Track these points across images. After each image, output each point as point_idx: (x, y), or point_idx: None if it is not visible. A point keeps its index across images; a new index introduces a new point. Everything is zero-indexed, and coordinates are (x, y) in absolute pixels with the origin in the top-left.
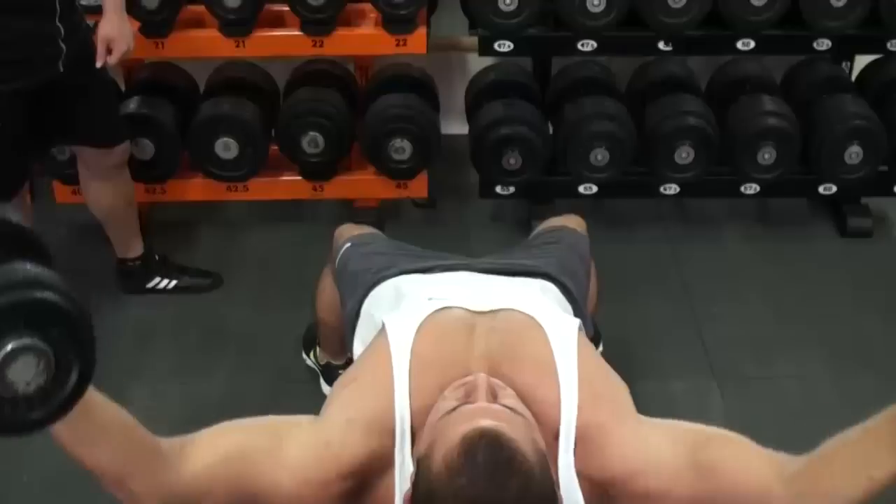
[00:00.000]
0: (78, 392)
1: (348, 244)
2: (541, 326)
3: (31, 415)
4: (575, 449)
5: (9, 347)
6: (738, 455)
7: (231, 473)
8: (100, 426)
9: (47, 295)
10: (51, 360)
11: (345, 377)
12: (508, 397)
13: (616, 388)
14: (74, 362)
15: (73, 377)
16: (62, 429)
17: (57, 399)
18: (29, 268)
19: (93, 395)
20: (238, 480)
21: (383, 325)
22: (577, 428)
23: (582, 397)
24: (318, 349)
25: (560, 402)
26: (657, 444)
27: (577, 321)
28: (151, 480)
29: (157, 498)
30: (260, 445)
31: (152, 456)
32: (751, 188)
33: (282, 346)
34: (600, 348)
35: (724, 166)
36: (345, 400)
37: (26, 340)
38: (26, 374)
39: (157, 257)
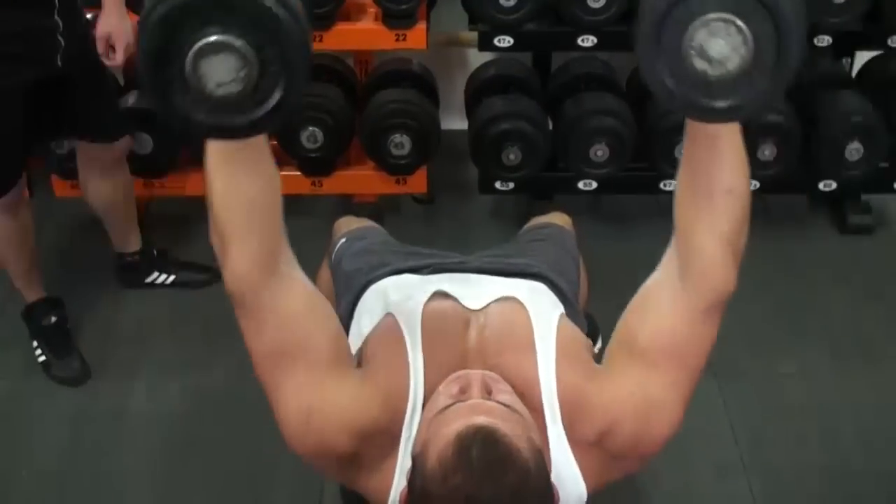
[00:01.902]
0: (266, 121)
1: (343, 240)
2: (524, 307)
3: (208, 116)
4: (563, 419)
5: (211, 39)
6: (654, 316)
7: (287, 339)
8: (254, 177)
9: (279, 10)
10: (253, 73)
11: (357, 356)
12: (503, 392)
13: (582, 347)
14: (277, 87)
15: (270, 103)
16: (220, 154)
17: (245, 116)
18: None
19: (266, 150)
20: (286, 353)
21: (387, 313)
22: (559, 397)
23: (559, 367)
24: None
25: (539, 377)
26: (620, 379)
27: (559, 310)
28: (249, 275)
29: (236, 289)
30: (318, 354)
31: (269, 252)
32: (751, 184)
33: None
34: (598, 344)
35: None
36: (363, 374)
37: (235, 41)
38: (221, 75)
39: (155, 252)
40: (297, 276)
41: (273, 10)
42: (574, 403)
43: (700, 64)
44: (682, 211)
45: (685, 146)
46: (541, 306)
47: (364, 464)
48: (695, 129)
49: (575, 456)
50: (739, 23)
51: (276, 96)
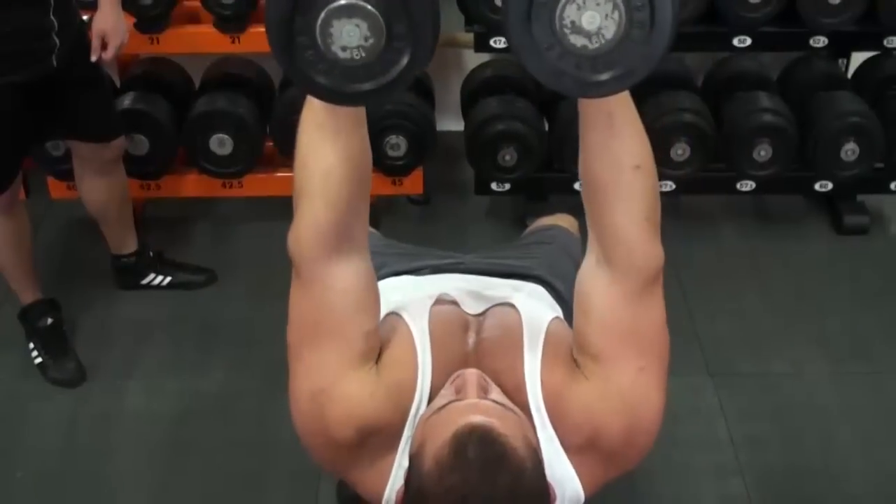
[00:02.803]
0: (374, 95)
1: None
2: (517, 311)
3: (322, 76)
4: (551, 423)
5: (343, 2)
6: (596, 312)
7: (326, 318)
8: (340, 148)
9: None
10: (379, 44)
11: None
12: (495, 392)
13: (570, 351)
14: (396, 64)
15: (385, 78)
16: (315, 116)
17: (357, 85)
18: None
19: (362, 126)
20: (319, 330)
21: (391, 312)
22: (544, 401)
23: (543, 371)
24: None
25: (525, 381)
26: (591, 383)
27: (553, 313)
28: (309, 242)
29: (295, 251)
30: (349, 343)
31: (336, 226)
32: (747, 185)
33: (276, 342)
34: None
35: (719, 163)
36: (376, 370)
37: (371, 8)
38: (348, 39)
39: (151, 253)
40: (358, 262)
41: None
42: (559, 407)
43: (578, 40)
44: (592, 198)
45: (581, 132)
46: (534, 310)
47: (363, 458)
48: (589, 112)
49: (569, 458)
50: None
51: (393, 73)
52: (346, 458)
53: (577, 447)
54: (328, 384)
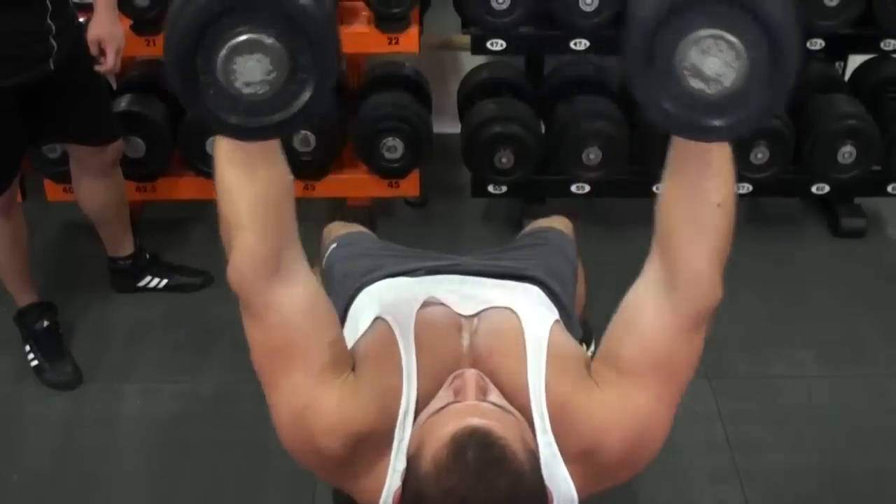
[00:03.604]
0: (286, 125)
1: (334, 244)
2: (516, 314)
3: (230, 115)
4: (552, 428)
5: (247, 37)
6: (639, 332)
7: (286, 339)
8: (261, 175)
9: (315, 14)
10: (282, 76)
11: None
12: (494, 394)
13: (573, 357)
14: (303, 93)
15: (294, 108)
16: (230, 150)
17: (266, 118)
18: None
19: (277, 150)
20: (284, 353)
21: (378, 317)
22: (548, 405)
23: (549, 375)
24: None
25: (528, 384)
26: (606, 394)
27: (553, 317)
28: (249, 271)
29: (238, 284)
30: (316, 357)
31: (273, 250)
32: (743, 188)
33: None
34: (592, 349)
35: None
36: (357, 377)
37: (270, 42)
38: (250, 75)
39: (147, 256)
40: (301, 277)
41: (308, 13)
42: (562, 413)
43: (696, 84)
44: (669, 223)
45: (672, 159)
46: (533, 312)
47: (356, 467)
48: (684, 144)
49: (566, 464)
50: (730, 37)
51: (300, 103)
52: (339, 469)
53: (575, 455)
54: (308, 402)
